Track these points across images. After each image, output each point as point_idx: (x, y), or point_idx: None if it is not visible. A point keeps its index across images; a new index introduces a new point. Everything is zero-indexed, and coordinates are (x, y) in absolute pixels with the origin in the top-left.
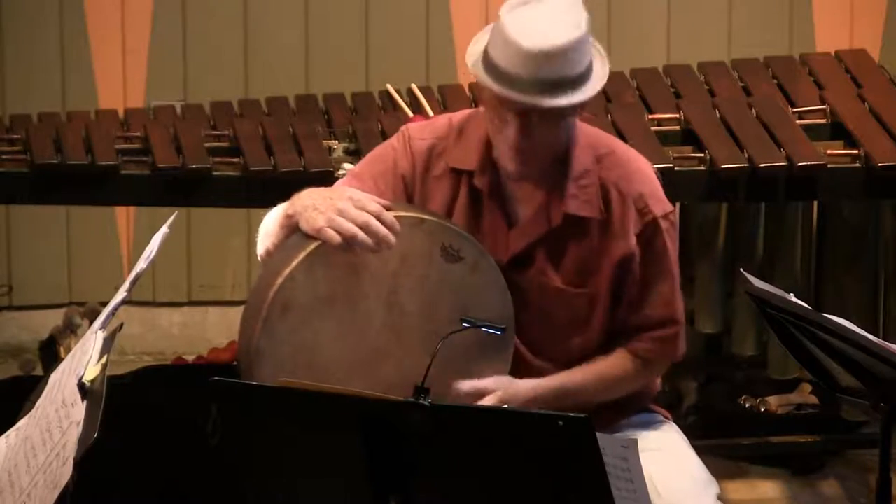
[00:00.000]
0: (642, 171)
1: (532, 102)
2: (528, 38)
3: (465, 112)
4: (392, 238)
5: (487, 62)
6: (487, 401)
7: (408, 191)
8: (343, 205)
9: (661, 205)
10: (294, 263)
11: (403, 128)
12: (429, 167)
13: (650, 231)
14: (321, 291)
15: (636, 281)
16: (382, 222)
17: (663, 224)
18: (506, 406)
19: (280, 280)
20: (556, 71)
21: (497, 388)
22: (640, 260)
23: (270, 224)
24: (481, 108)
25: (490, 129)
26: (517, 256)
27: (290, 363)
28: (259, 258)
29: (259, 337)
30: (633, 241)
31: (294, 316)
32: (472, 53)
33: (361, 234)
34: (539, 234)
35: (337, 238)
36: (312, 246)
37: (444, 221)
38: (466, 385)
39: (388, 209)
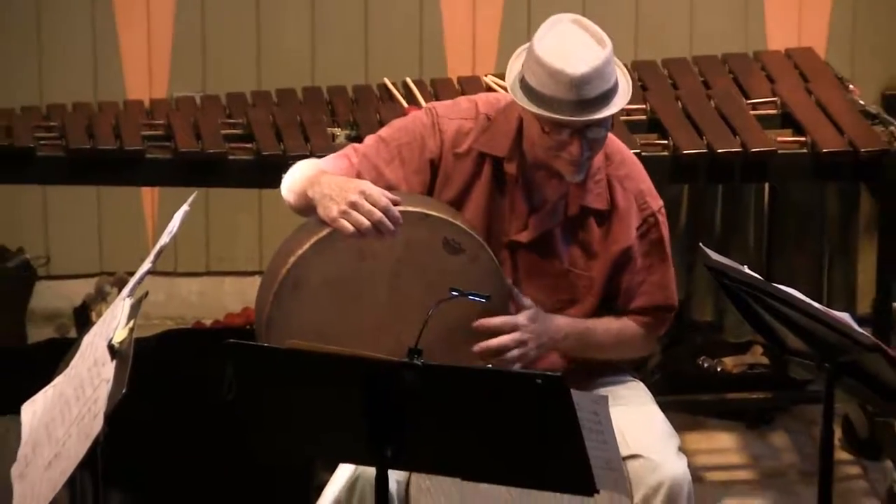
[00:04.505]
0: (640, 170)
1: (588, 119)
2: (570, 64)
3: (490, 99)
4: (397, 231)
5: (531, 92)
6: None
7: (433, 166)
8: (356, 198)
9: (656, 201)
10: (306, 246)
11: (430, 106)
12: (454, 145)
13: (648, 224)
14: (330, 273)
15: (636, 270)
16: (389, 216)
17: (660, 218)
18: (489, 366)
19: (293, 259)
20: (600, 87)
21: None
22: (640, 251)
23: (297, 181)
24: (504, 99)
25: (541, 147)
26: (535, 238)
27: (297, 334)
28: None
29: (270, 309)
30: (633, 232)
31: (303, 293)
32: (514, 88)
33: (369, 226)
34: (557, 220)
35: (349, 228)
36: (324, 232)
37: (447, 217)
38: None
39: (395, 203)
